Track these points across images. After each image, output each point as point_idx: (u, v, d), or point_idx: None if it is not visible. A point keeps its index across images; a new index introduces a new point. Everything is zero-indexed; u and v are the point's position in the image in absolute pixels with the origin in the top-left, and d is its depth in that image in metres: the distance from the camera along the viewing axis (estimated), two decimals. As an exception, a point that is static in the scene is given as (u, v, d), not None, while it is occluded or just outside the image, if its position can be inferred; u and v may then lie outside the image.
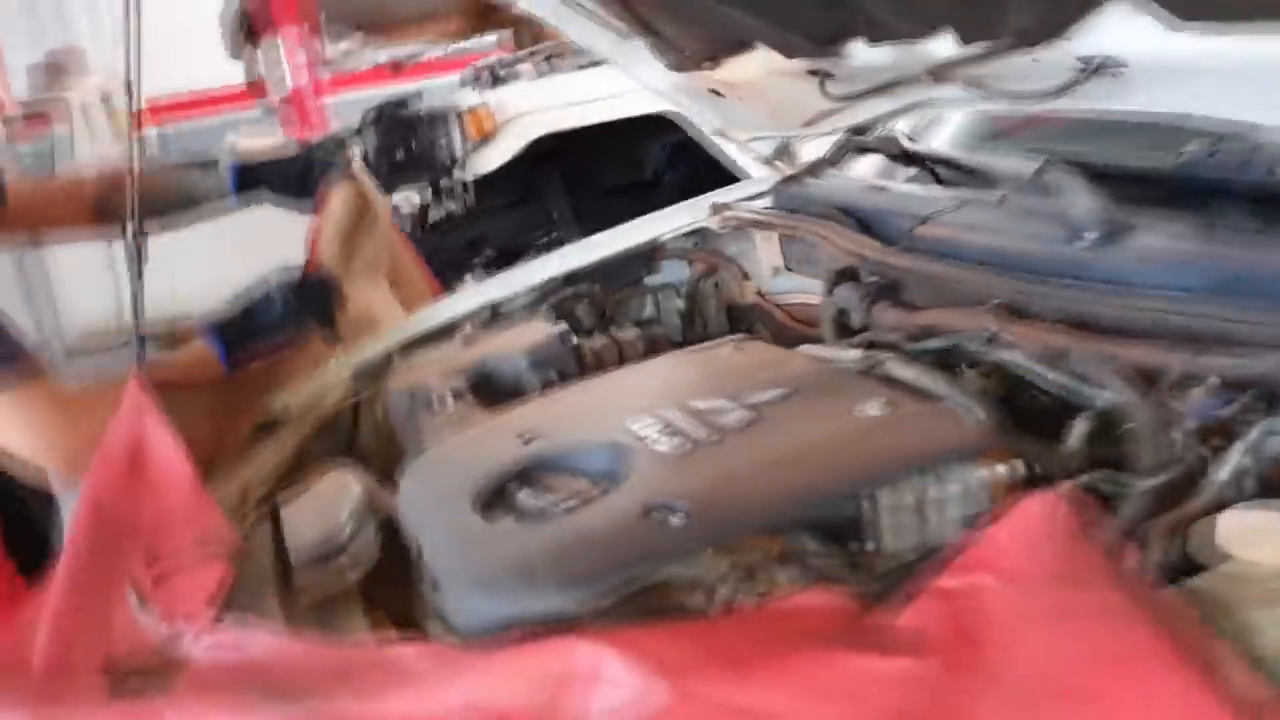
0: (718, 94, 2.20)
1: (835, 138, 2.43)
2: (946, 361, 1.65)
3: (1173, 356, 1.29)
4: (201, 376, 2.09)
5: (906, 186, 2.10)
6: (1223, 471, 1.24)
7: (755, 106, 2.15)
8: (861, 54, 1.68)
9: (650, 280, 2.66)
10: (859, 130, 2.40)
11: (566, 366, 2.14)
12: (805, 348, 1.80)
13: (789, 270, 2.43)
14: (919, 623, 0.97)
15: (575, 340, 2.17)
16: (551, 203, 5.83)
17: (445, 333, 2.43)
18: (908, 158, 2.26)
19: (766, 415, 1.47)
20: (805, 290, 2.42)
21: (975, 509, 1.31)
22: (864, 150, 2.47)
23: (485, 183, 5.45)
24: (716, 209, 2.61)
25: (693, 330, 2.57)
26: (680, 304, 2.62)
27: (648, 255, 2.64)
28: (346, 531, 1.65)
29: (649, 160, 6.04)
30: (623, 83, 5.50)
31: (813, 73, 1.87)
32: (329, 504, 1.75)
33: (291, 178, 2.64)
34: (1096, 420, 1.38)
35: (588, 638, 1.07)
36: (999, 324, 1.55)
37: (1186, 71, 1.26)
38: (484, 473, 1.49)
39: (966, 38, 1.44)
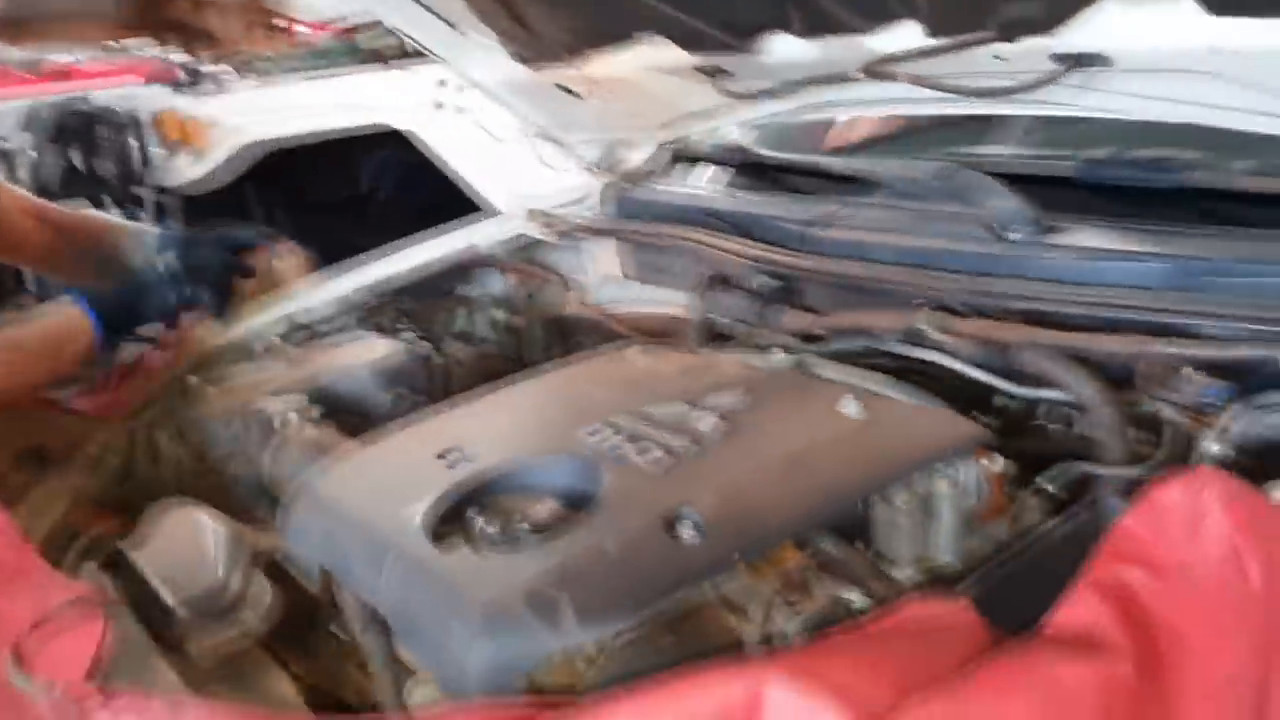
0: (568, 91, 2.07)
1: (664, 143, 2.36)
2: (866, 362, 1.61)
3: (1145, 347, 1.30)
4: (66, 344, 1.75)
5: (777, 193, 2.06)
6: (1205, 457, 1.26)
7: (613, 105, 2.04)
8: (782, 48, 1.62)
9: (465, 291, 2.48)
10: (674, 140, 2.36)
11: (420, 383, 1.94)
12: (709, 353, 1.71)
13: (627, 278, 2.33)
14: (1086, 621, 0.90)
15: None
16: (265, 216, 5.41)
17: (240, 351, 2.15)
18: (752, 165, 2.23)
19: (742, 421, 1.36)
20: (645, 300, 2.33)
21: (975, 503, 1.27)
22: (693, 159, 2.42)
23: (196, 196, 4.99)
24: (535, 216, 2.48)
25: (517, 344, 2.42)
26: (500, 316, 2.46)
27: (461, 266, 2.46)
28: (233, 580, 1.38)
29: (363, 175, 5.77)
30: (344, 95, 5.31)
31: (703, 70, 1.79)
32: (188, 548, 1.47)
33: None
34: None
35: (742, 666, 0.92)
36: (933, 322, 1.52)
37: (1175, 70, 1.28)
38: (422, 500, 1.29)
39: (937, 30, 1.41)
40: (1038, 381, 1.46)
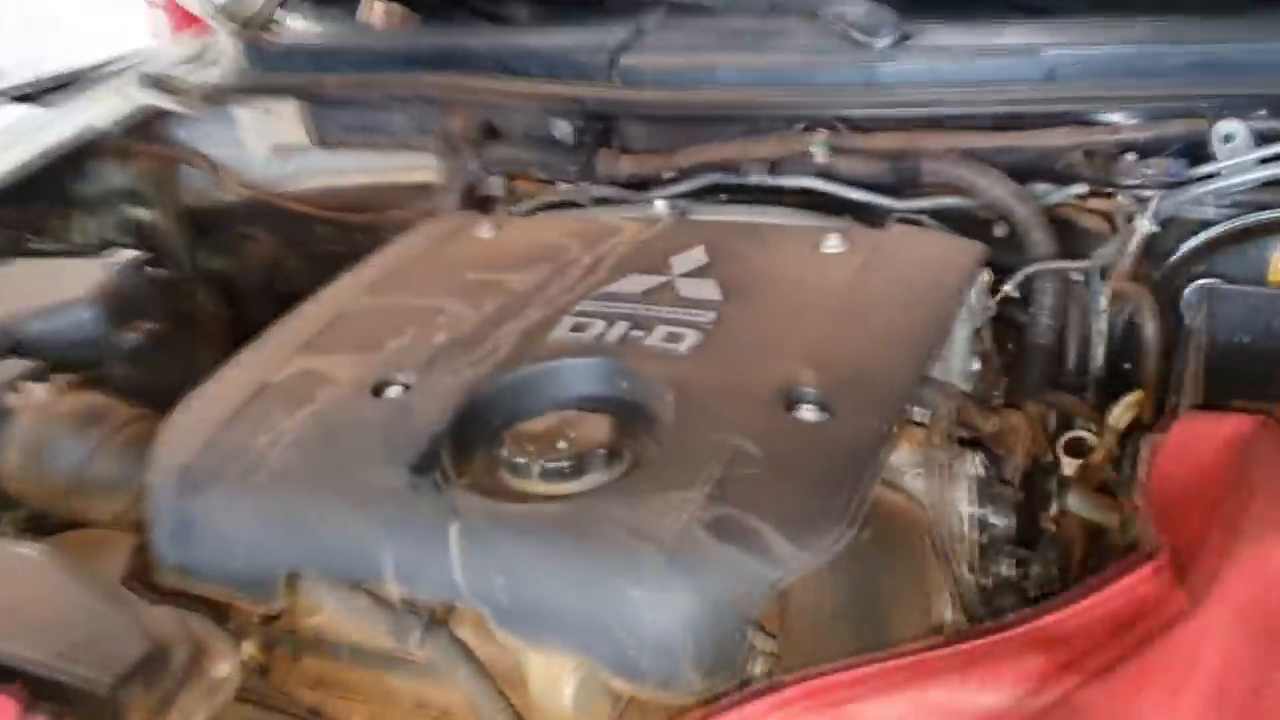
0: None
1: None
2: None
3: (1087, 137, 1.32)
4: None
5: (544, 27, 1.79)
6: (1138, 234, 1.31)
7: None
8: None
9: (80, 189, 1.95)
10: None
11: (157, 310, 1.49)
12: (580, 214, 1.48)
13: (326, 146, 1.94)
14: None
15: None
16: None
17: None
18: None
19: (738, 282, 1.18)
20: (330, 170, 1.97)
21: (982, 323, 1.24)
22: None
23: None
24: (150, 81, 1.98)
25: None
26: (140, 214, 1.97)
27: (67, 158, 1.91)
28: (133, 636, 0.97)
29: None
30: None
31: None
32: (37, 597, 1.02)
33: None
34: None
35: (927, 660, 0.78)
36: (828, 144, 1.43)
37: None
38: (412, 449, 0.99)
39: None
40: (933, 193, 1.43)
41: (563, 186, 1.70)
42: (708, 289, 1.17)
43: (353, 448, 1.02)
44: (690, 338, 1.09)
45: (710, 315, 1.12)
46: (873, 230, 1.28)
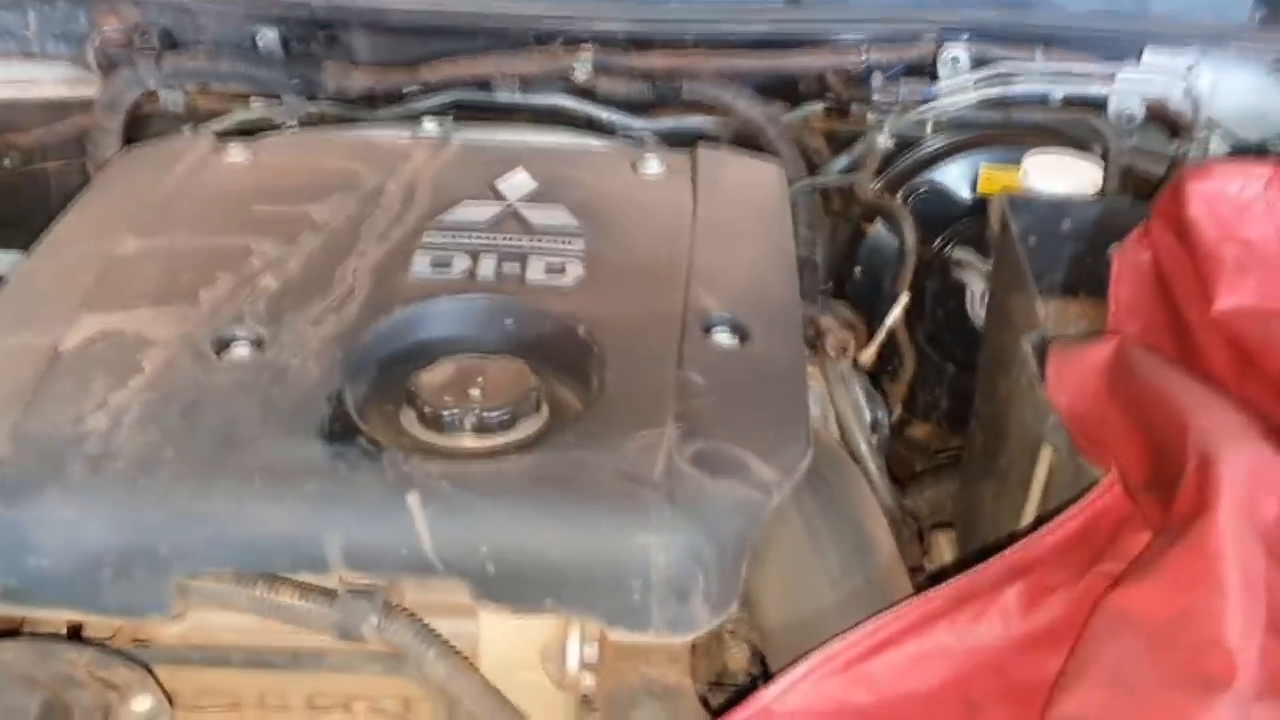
0: None
1: None
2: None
3: (837, 57, 1.41)
4: None
5: None
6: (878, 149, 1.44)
7: None
8: None
9: None
10: None
11: None
12: (338, 136, 1.32)
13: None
14: None
15: None
16: None
17: None
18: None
19: (580, 209, 1.12)
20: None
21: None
22: None
23: None
24: None
25: None
26: None
27: None
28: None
29: None
30: None
31: None
32: None
33: None
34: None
35: (920, 608, 0.83)
36: (587, 60, 1.40)
37: None
38: (306, 417, 0.86)
39: None
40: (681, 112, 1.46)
41: (258, 103, 1.51)
42: (559, 215, 1.11)
43: (226, 420, 0.87)
44: (573, 269, 1.03)
45: (578, 244, 1.07)
46: (677, 153, 1.27)
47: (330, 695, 0.94)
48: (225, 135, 1.36)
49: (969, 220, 1.49)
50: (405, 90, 1.43)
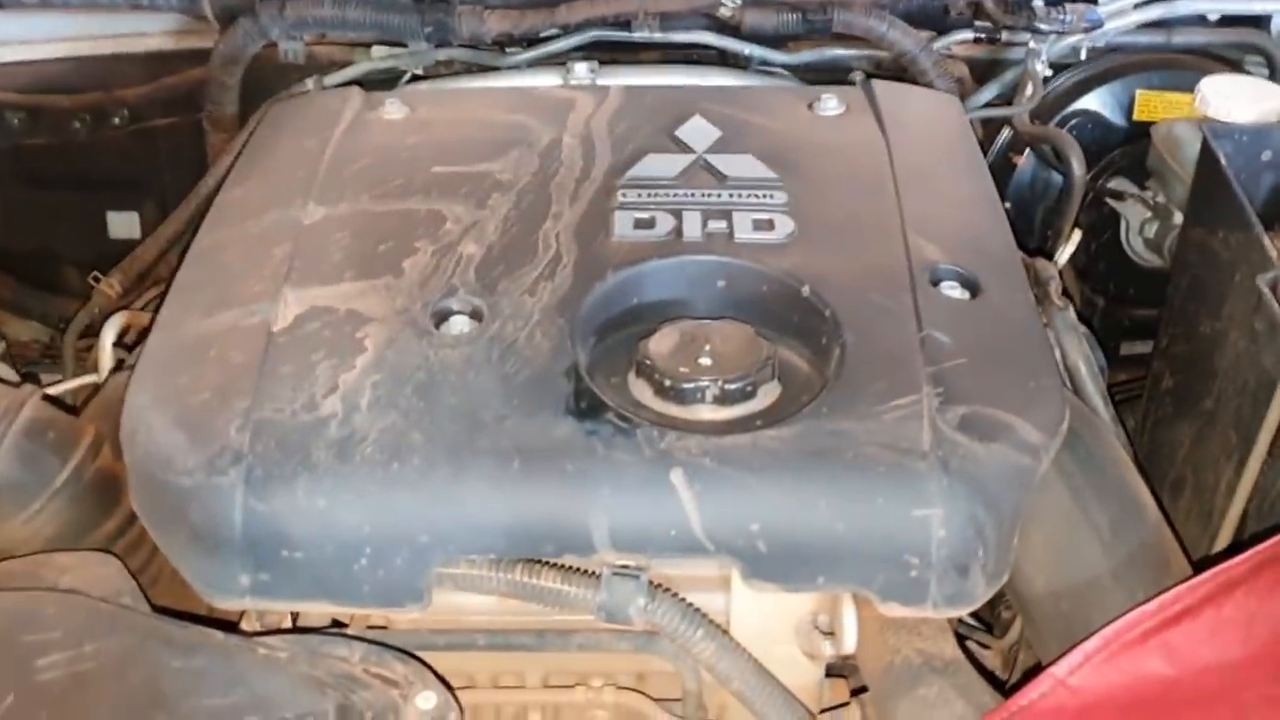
0: None
1: None
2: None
3: None
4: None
5: None
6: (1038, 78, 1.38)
7: None
8: None
9: None
10: None
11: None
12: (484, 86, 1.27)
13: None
14: None
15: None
16: None
17: None
18: None
19: (770, 156, 1.07)
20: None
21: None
22: None
23: None
24: None
25: None
26: None
27: None
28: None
29: None
30: None
31: None
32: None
33: None
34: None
35: (1216, 578, 0.79)
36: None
37: None
38: (551, 392, 0.83)
39: None
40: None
41: (380, 51, 1.45)
42: (752, 165, 1.06)
43: (465, 399, 0.83)
44: (781, 223, 0.99)
45: (780, 196, 1.02)
46: (850, 89, 1.21)
47: (567, 673, 0.93)
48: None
49: (1125, 149, 1.44)
50: (543, 34, 1.36)
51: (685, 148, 1.09)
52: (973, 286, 0.94)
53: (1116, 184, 1.43)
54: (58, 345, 1.54)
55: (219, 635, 0.76)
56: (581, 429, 0.81)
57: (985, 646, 1.08)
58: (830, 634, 0.87)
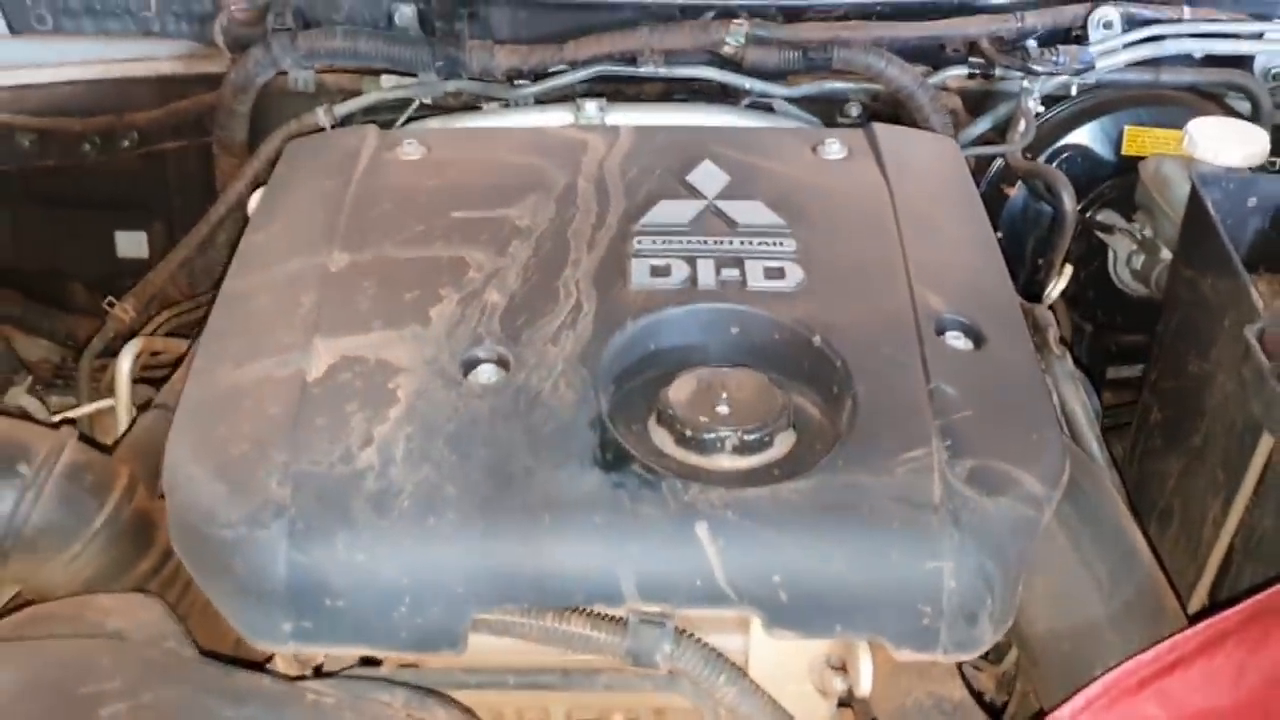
0: None
1: None
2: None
3: (995, 23, 1.38)
4: None
5: None
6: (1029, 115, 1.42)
7: None
8: None
9: None
10: None
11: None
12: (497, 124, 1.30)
13: (16, 34, 1.51)
14: None
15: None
16: None
17: None
18: None
19: (777, 202, 1.11)
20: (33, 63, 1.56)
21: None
22: None
23: None
24: None
25: None
26: None
27: None
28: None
29: None
30: None
31: None
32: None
33: None
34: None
35: (1212, 628, 0.84)
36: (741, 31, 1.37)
37: None
38: (575, 444, 0.87)
39: None
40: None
41: (390, 80, 1.48)
42: (761, 212, 1.10)
43: (495, 451, 0.87)
44: (792, 272, 1.03)
45: (789, 244, 1.06)
46: (851, 131, 1.25)
47: (590, 708, 0.97)
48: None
49: (1113, 182, 1.49)
50: (550, 69, 1.40)
51: (696, 193, 1.12)
52: (976, 337, 0.98)
53: (1104, 216, 1.48)
54: (69, 365, 1.56)
55: (267, 681, 0.80)
56: (608, 481, 0.84)
57: (979, 669, 1.13)
58: (841, 668, 0.91)
